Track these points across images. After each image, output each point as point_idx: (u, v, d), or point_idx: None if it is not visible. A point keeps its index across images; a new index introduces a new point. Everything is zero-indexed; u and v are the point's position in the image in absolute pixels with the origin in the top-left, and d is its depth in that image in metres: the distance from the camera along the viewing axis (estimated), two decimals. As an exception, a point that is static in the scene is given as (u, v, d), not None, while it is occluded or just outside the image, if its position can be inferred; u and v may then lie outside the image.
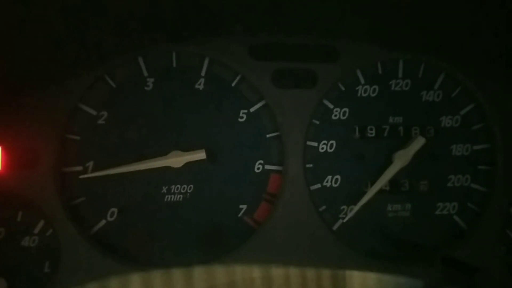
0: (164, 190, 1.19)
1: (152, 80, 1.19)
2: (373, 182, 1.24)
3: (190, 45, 1.19)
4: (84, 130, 1.17)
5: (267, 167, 1.24)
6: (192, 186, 1.21)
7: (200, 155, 1.16)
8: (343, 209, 1.26)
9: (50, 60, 1.07)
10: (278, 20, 1.14)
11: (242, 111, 1.23)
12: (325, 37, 1.23)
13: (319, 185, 1.25)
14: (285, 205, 1.21)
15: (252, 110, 1.23)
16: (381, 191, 1.24)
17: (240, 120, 1.23)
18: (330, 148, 1.26)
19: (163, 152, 1.17)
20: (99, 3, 0.91)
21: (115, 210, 1.18)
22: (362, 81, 1.27)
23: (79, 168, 1.16)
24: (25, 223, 1.12)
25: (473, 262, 1.11)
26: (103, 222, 1.17)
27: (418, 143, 1.23)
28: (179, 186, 1.20)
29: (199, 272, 1.18)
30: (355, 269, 1.23)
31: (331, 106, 1.26)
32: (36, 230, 1.13)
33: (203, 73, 1.21)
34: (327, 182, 1.25)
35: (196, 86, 1.21)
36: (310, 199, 1.22)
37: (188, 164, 1.17)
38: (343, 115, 1.26)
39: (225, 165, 1.22)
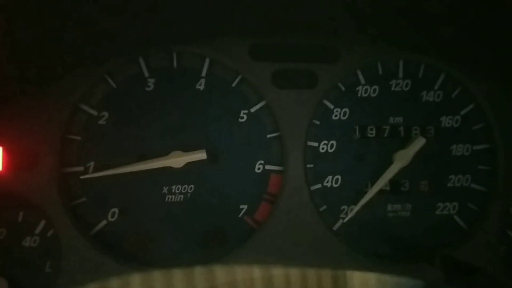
0: (165, 190, 1.19)
1: (152, 80, 1.19)
2: (373, 182, 1.24)
3: (191, 45, 1.19)
4: (85, 130, 1.17)
5: (268, 167, 1.24)
6: (192, 186, 1.21)
7: (201, 155, 1.16)
8: (344, 209, 1.26)
9: (51, 60, 1.07)
10: (278, 21, 1.14)
11: (242, 112, 1.23)
12: (325, 38, 1.23)
13: (319, 185, 1.25)
14: (286, 205, 1.21)
15: (252, 110, 1.23)
16: (381, 191, 1.24)
17: (240, 120, 1.23)
18: (331, 148, 1.26)
19: (164, 153, 1.17)
20: (99, 4, 0.91)
21: (116, 210, 1.18)
22: (363, 81, 1.27)
23: (80, 168, 1.16)
24: (26, 223, 1.12)
25: (473, 262, 1.11)
26: (104, 222, 1.17)
27: (418, 143, 1.23)
28: (179, 186, 1.20)
29: (199, 273, 1.18)
30: (355, 269, 1.23)
31: (332, 107, 1.26)
32: (37, 231, 1.13)
33: (203, 74, 1.21)
34: (327, 182, 1.25)
35: (197, 87, 1.21)
36: (310, 199, 1.22)
37: (189, 164, 1.17)
38: (344, 115, 1.26)
39: (226, 165, 1.22)
